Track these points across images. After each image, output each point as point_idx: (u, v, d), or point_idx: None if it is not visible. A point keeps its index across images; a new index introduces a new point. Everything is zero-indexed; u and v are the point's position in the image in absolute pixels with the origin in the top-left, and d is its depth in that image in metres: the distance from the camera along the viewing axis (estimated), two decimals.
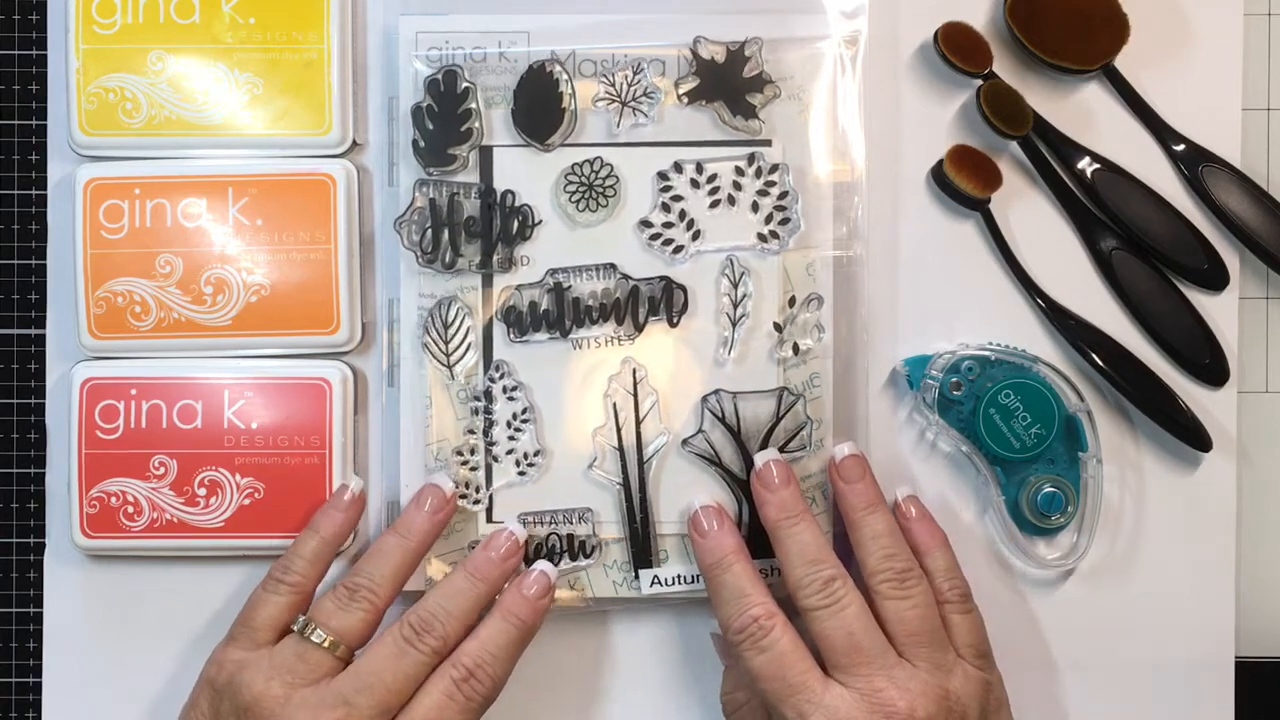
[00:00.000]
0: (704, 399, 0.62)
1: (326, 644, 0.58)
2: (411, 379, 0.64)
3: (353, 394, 0.64)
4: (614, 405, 0.63)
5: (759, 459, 0.61)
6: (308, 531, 0.61)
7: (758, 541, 0.61)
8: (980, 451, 0.64)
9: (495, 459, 0.63)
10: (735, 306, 0.63)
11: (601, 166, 0.63)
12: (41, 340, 0.66)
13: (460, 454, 0.63)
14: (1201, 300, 0.66)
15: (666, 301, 0.63)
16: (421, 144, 0.63)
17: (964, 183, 0.64)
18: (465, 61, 0.63)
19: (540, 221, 0.63)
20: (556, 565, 0.62)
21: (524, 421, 0.63)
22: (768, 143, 0.63)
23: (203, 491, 0.63)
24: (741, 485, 0.62)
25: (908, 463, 0.65)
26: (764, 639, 0.57)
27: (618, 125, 0.63)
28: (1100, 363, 0.65)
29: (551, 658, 0.65)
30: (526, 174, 0.63)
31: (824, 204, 0.63)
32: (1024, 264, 0.65)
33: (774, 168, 0.63)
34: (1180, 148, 0.66)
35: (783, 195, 0.63)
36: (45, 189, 0.66)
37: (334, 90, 0.64)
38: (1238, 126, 0.66)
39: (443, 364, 0.63)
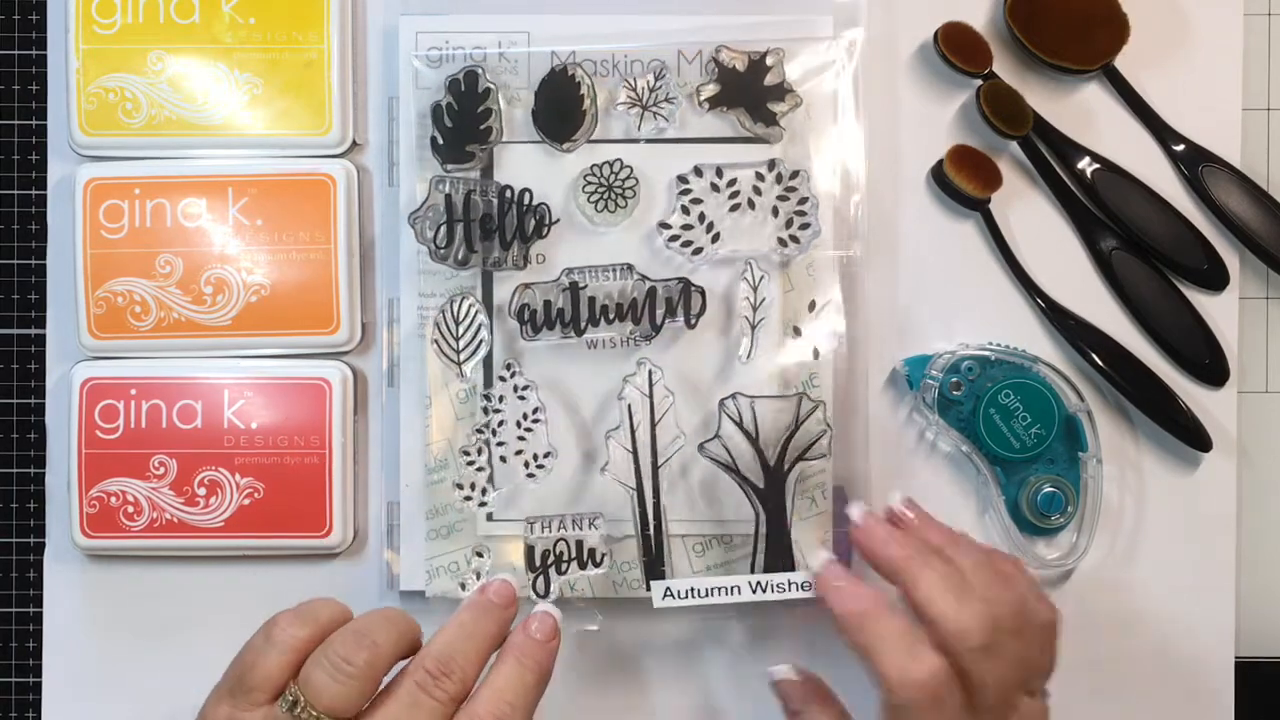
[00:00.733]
0: (721, 402, 0.61)
1: None
2: (411, 379, 0.64)
3: (353, 394, 0.64)
4: (628, 407, 0.62)
5: (817, 563, 0.57)
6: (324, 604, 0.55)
7: (774, 557, 0.61)
8: (980, 451, 0.64)
9: (503, 460, 0.63)
10: (754, 310, 0.62)
11: (621, 168, 0.63)
12: (41, 340, 0.66)
13: (466, 453, 0.62)
14: (1201, 300, 0.66)
15: (684, 303, 0.63)
16: (440, 141, 0.63)
17: (964, 183, 0.64)
18: (465, 61, 0.63)
19: (556, 220, 0.63)
20: (564, 574, 0.61)
21: (534, 421, 0.62)
22: (767, 141, 0.63)
23: (202, 491, 0.63)
24: (758, 493, 0.61)
25: (908, 463, 0.65)
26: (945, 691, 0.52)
27: (638, 129, 0.63)
28: (1100, 363, 0.65)
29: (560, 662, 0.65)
30: (544, 173, 0.63)
31: (824, 204, 0.63)
32: (1024, 264, 0.65)
33: (794, 173, 0.63)
34: (1180, 148, 0.66)
35: (803, 201, 0.63)
36: (45, 189, 0.66)
37: (334, 90, 0.64)
38: (1238, 126, 0.66)
39: (452, 361, 0.63)
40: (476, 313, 0.63)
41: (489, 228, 0.63)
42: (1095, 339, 0.65)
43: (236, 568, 0.65)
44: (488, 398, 0.62)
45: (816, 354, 0.63)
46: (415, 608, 0.63)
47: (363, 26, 0.65)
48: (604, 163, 0.63)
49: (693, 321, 0.63)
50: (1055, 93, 0.66)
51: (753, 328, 0.63)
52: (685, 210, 0.63)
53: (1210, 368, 0.65)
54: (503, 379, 0.62)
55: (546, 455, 0.62)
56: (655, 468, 0.62)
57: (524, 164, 0.63)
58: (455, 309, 0.62)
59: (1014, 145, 0.65)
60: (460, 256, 0.63)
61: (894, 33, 0.65)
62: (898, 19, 0.65)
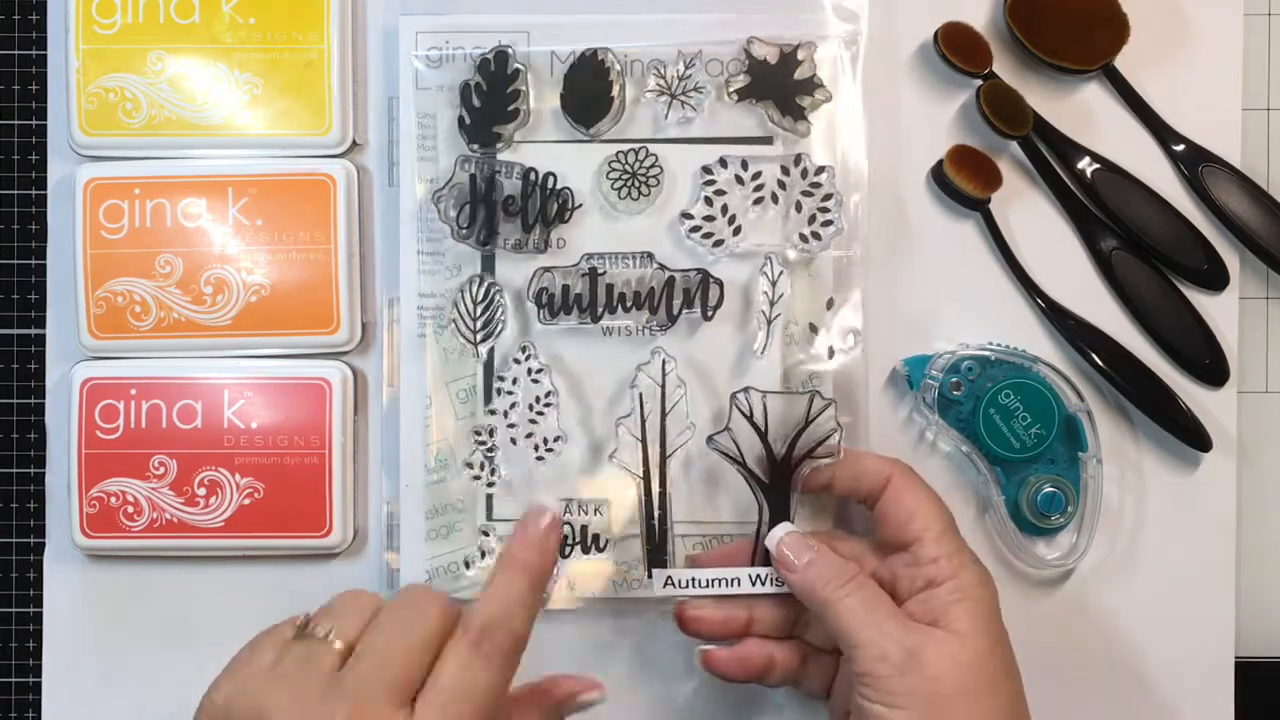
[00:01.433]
0: (733, 395, 0.61)
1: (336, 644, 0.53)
2: (411, 379, 0.64)
3: (353, 394, 0.64)
4: (640, 395, 0.62)
5: (771, 539, 0.59)
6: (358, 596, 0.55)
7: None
8: (980, 451, 0.64)
9: (513, 441, 0.63)
10: (771, 305, 0.63)
11: (646, 156, 0.63)
12: (41, 340, 0.66)
13: (478, 433, 0.62)
14: (1201, 300, 0.66)
15: (702, 294, 0.63)
16: (467, 120, 0.63)
17: (964, 183, 0.64)
18: (467, 60, 0.63)
19: (580, 205, 0.63)
20: (567, 557, 0.62)
21: (546, 405, 0.63)
22: (769, 140, 0.63)
23: (202, 491, 0.63)
24: (764, 488, 0.61)
25: (907, 463, 0.65)
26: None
27: (666, 117, 0.63)
28: (1100, 363, 0.65)
29: (554, 652, 0.64)
30: (568, 158, 0.63)
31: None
32: (1024, 264, 0.65)
33: (820, 169, 0.63)
34: (1180, 148, 0.66)
35: (827, 198, 0.63)
36: (45, 189, 0.66)
37: (334, 90, 0.64)
38: (1238, 126, 0.66)
39: (469, 341, 0.63)
40: (496, 293, 0.63)
41: (511, 209, 0.63)
42: (1095, 339, 0.65)
43: (236, 568, 0.65)
44: (501, 379, 0.63)
45: (832, 353, 0.63)
46: None
47: (363, 26, 0.65)
48: (629, 149, 0.63)
49: (709, 313, 0.63)
50: (1055, 93, 0.66)
51: (769, 322, 0.63)
52: (708, 201, 0.63)
53: (1210, 368, 0.65)
54: (517, 361, 0.63)
55: (556, 439, 0.62)
56: (663, 457, 0.62)
57: (549, 147, 0.64)
58: (474, 290, 0.63)
59: (1014, 145, 0.65)
60: (481, 237, 0.63)
61: (894, 33, 0.65)
62: (898, 19, 0.65)
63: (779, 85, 0.63)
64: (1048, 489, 0.64)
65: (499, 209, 0.63)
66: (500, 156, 0.63)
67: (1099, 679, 0.66)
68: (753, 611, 0.60)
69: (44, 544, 0.66)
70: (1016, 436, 0.63)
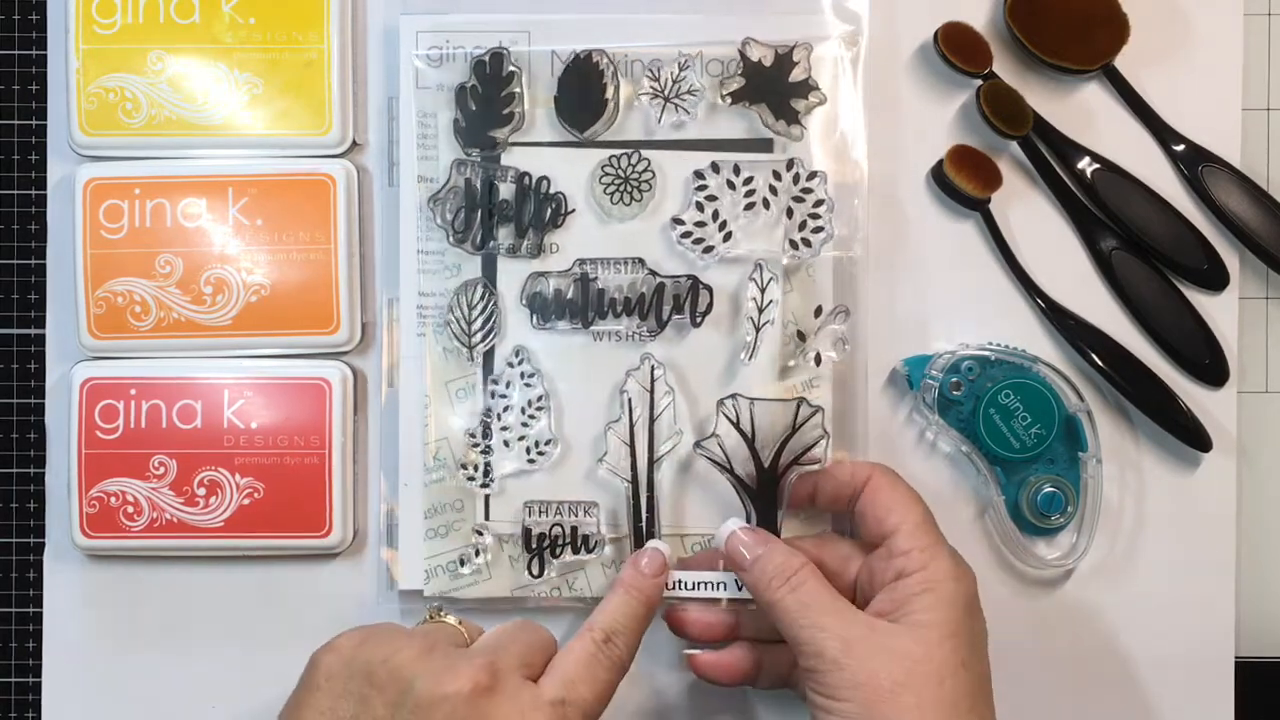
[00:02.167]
0: (720, 402, 0.61)
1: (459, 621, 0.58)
2: (411, 379, 0.64)
3: (353, 394, 0.64)
4: (629, 400, 0.62)
5: (722, 531, 0.60)
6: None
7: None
8: (980, 451, 0.64)
9: (506, 444, 0.63)
10: (760, 311, 0.62)
11: (639, 160, 0.63)
12: (41, 340, 0.66)
13: (471, 435, 0.63)
14: (1201, 300, 0.66)
15: (691, 300, 0.63)
16: (463, 124, 0.63)
17: (964, 183, 0.64)
18: (467, 60, 0.63)
19: (573, 210, 0.63)
20: (558, 558, 0.62)
21: (538, 409, 0.63)
22: (769, 143, 0.63)
23: (202, 491, 0.63)
24: (751, 494, 0.61)
25: (908, 463, 0.65)
26: None
27: (659, 120, 0.63)
28: (1100, 363, 0.65)
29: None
30: (561, 162, 0.63)
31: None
32: (1024, 264, 0.65)
33: (811, 175, 0.63)
34: (1180, 148, 0.66)
35: (818, 204, 0.63)
36: (45, 189, 0.66)
37: (334, 90, 0.64)
38: (1238, 126, 0.66)
39: (464, 345, 0.63)
40: (492, 299, 0.63)
41: (507, 214, 0.63)
42: (1095, 339, 0.65)
43: (236, 568, 0.65)
44: (495, 383, 0.63)
45: (819, 360, 0.63)
46: (414, 607, 0.64)
47: (363, 26, 0.65)
48: (622, 154, 0.63)
49: (698, 319, 0.63)
50: (1055, 93, 0.66)
51: (757, 329, 0.63)
52: (700, 207, 0.63)
53: (1210, 368, 0.65)
54: (510, 365, 0.63)
55: (548, 443, 0.63)
56: (651, 462, 0.62)
57: (543, 150, 0.63)
58: (470, 294, 0.63)
59: (1014, 145, 0.65)
60: (477, 241, 0.63)
61: (894, 33, 0.65)
62: (898, 19, 0.65)
63: (773, 88, 0.63)
64: (1048, 489, 0.64)
65: (494, 213, 0.63)
66: (495, 160, 0.63)
67: (1099, 679, 0.66)
68: (739, 615, 0.61)
69: (44, 544, 0.66)
70: (1016, 436, 0.63)
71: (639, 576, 0.59)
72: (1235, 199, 0.65)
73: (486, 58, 0.63)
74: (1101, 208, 0.65)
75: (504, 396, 0.63)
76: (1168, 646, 0.66)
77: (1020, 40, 0.64)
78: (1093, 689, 0.66)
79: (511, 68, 0.63)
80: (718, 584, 0.61)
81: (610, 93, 0.63)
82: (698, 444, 0.61)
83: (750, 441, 0.61)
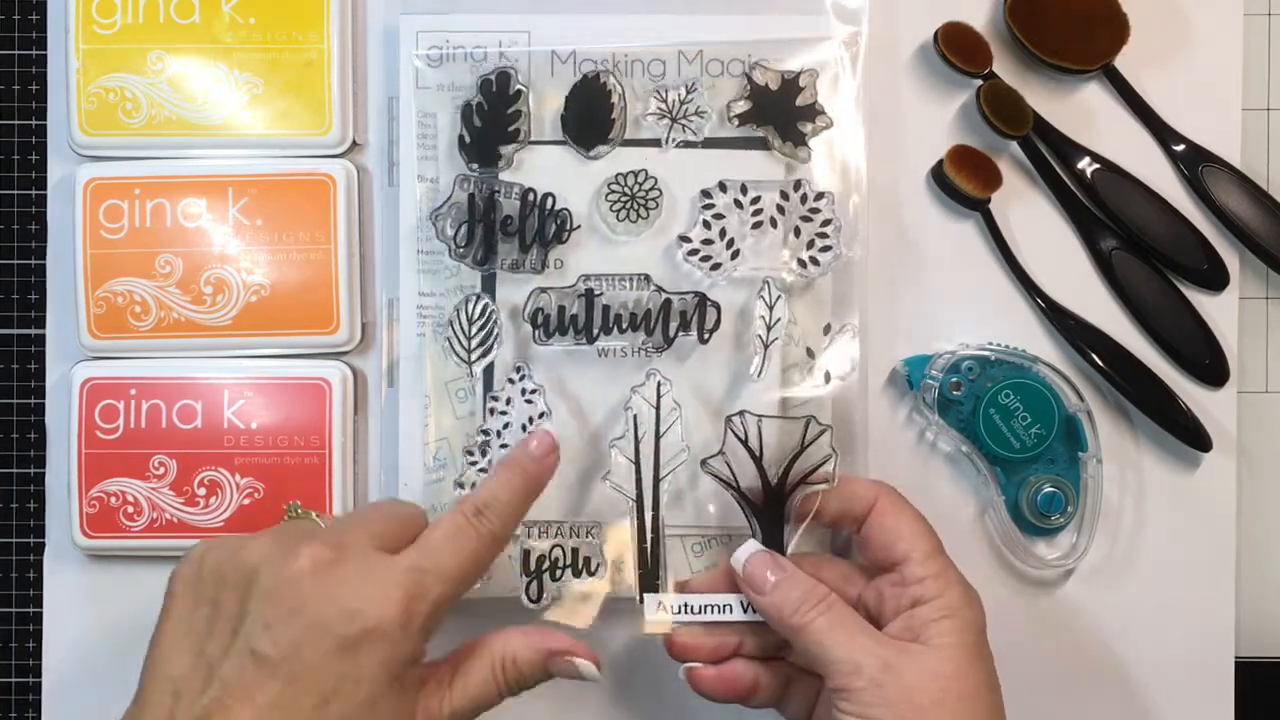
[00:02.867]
0: (728, 419, 0.60)
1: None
2: (411, 379, 0.64)
3: (353, 394, 0.64)
4: (634, 417, 0.62)
5: (738, 558, 0.59)
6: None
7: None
8: (980, 451, 0.64)
9: None
10: (768, 329, 0.62)
11: (646, 179, 0.63)
12: (41, 340, 0.66)
13: (469, 453, 0.62)
14: (1201, 300, 0.66)
15: (699, 317, 0.62)
16: (468, 140, 0.63)
17: (964, 183, 0.64)
18: (467, 60, 0.63)
19: (577, 226, 0.63)
20: (558, 580, 0.62)
21: (540, 426, 0.62)
22: (795, 160, 0.63)
23: (202, 491, 0.63)
24: (758, 513, 0.60)
25: (908, 463, 0.65)
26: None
27: (666, 140, 0.63)
28: (1100, 363, 0.65)
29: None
30: (567, 178, 0.63)
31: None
32: (1024, 264, 0.65)
33: (819, 195, 0.62)
34: (1180, 148, 0.66)
35: (825, 223, 0.62)
36: (45, 189, 0.66)
37: (334, 90, 0.64)
38: (1238, 126, 0.66)
39: (463, 360, 0.63)
40: (492, 313, 0.62)
41: (510, 229, 0.63)
42: (1095, 339, 0.65)
43: None
44: (495, 399, 0.62)
45: (828, 378, 0.62)
46: None
47: (363, 26, 0.65)
48: (628, 173, 0.63)
49: (706, 337, 0.62)
50: (1055, 93, 0.66)
51: (765, 346, 0.62)
52: (707, 225, 0.62)
53: (1210, 368, 0.65)
54: (511, 381, 0.62)
55: None
56: (657, 480, 0.62)
57: (548, 167, 0.63)
58: (470, 308, 0.62)
59: (1014, 145, 0.65)
60: (479, 256, 0.63)
61: (894, 33, 0.65)
62: (898, 19, 0.65)
63: (780, 111, 0.63)
64: (1048, 489, 0.64)
65: (497, 229, 0.63)
66: (499, 176, 0.63)
67: (1099, 679, 0.66)
68: (742, 635, 0.60)
69: (44, 544, 0.66)
70: (1016, 436, 0.63)
71: (525, 453, 0.58)
72: (1235, 199, 0.65)
73: (493, 76, 0.63)
74: (1101, 208, 0.65)
75: (504, 413, 0.62)
76: (1168, 646, 0.66)
77: (1020, 40, 0.64)
78: (1093, 689, 0.66)
79: (519, 86, 0.63)
80: (723, 606, 0.60)
81: (617, 113, 0.63)
82: (704, 461, 0.60)
83: (758, 459, 0.60)
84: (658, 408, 0.62)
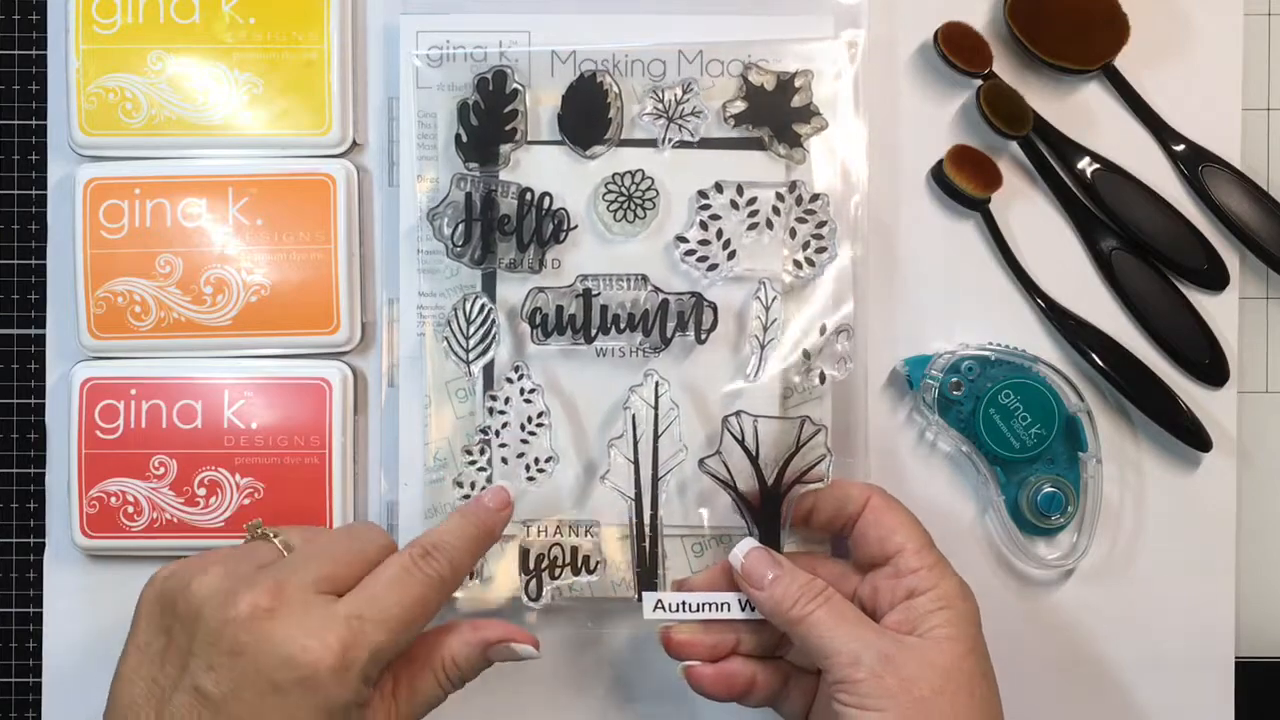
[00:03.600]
0: (725, 419, 0.60)
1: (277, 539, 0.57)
2: (411, 379, 0.64)
3: (353, 394, 0.64)
4: (633, 417, 0.62)
5: (735, 554, 0.59)
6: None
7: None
8: (980, 451, 0.64)
9: (505, 461, 0.62)
10: (765, 330, 0.62)
11: (643, 179, 0.63)
12: (41, 340, 0.66)
13: (469, 453, 0.62)
14: (1201, 300, 0.66)
15: (696, 317, 0.62)
16: (465, 139, 0.63)
17: (964, 183, 0.64)
18: (467, 60, 0.63)
19: (575, 226, 0.63)
20: (556, 580, 0.62)
21: (539, 425, 0.62)
22: (790, 161, 0.63)
23: (202, 491, 0.63)
24: (754, 512, 0.60)
25: (908, 463, 0.65)
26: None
27: (663, 140, 0.63)
28: (1100, 363, 0.65)
29: (548, 668, 0.65)
30: (564, 178, 0.63)
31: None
32: (1024, 264, 0.65)
33: (815, 197, 0.62)
34: (1180, 148, 0.66)
35: (821, 225, 0.62)
36: (45, 189, 0.66)
37: (334, 90, 0.64)
38: (1238, 126, 0.66)
39: (461, 360, 0.63)
40: (490, 312, 0.62)
41: (507, 229, 0.63)
42: (1095, 339, 0.65)
43: None
44: (494, 398, 0.62)
45: (824, 378, 0.63)
46: None
47: (363, 26, 0.65)
48: (625, 172, 0.63)
49: (703, 337, 0.62)
50: (1055, 93, 0.66)
51: (762, 347, 0.62)
52: (703, 226, 0.63)
53: (1210, 368, 0.65)
54: (510, 381, 0.62)
55: (548, 460, 0.62)
56: (655, 479, 0.62)
57: (545, 167, 0.63)
58: (468, 308, 0.62)
59: (1014, 145, 0.65)
60: (476, 255, 0.63)
61: (894, 33, 0.65)
62: (898, 19, 0.65)
63: (776, 112, 0.63)
64: (1048, 489, 0.64)
65: (494, 228, 0.63)
66: (496, 175, 0.63)
67: (1099, 678, 0.66)
68: (739, 633, 0.60)
69: (44, 544, 0.66)
70: (1016, 436, 0.63)
71: (480, 505, 0.59)
72: (1235, 199, 0.65)
73: (490, 75, 0.63)
74: (1101, 208, 0.65)
75: (502, 413, 0.62)
76: (1168, 646, 0.66)
77: (1020, 40, 0.64)
78: (1093, 689, 0.66)
79: (515, 85, 0.63)
80: (721, 604, 0.60)
81: (614, 113, 0.63)
82: (702, 461, 0.60)
83: (754, 459, 0.60)
84: (656, 407, 0.62)
